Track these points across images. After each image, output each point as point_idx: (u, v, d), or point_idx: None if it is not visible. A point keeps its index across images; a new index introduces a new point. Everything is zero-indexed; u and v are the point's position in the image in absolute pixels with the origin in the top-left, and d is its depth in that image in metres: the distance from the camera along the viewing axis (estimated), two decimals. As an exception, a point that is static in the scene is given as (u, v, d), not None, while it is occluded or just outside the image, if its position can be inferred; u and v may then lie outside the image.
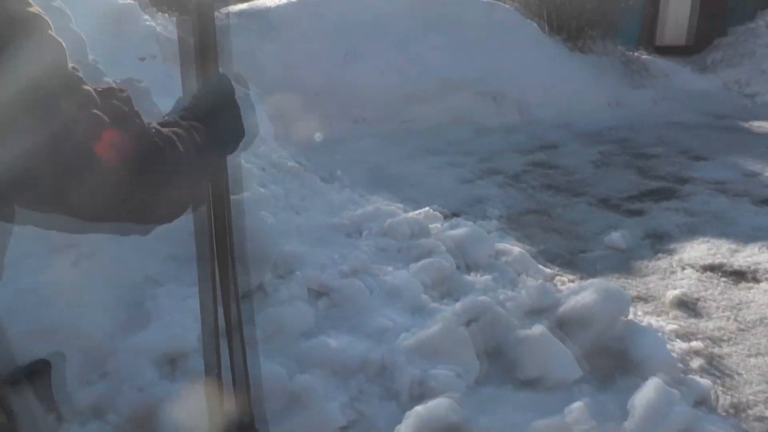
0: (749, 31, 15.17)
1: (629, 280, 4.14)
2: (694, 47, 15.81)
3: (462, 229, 3.82)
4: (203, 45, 1.46)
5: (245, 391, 2.03)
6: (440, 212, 4.66)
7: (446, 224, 4.23)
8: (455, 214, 5.01)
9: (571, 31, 11.70)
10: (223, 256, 1.89)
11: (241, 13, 9.34)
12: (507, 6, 11.23)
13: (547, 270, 4.03)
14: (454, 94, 8.79)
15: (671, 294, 3.90)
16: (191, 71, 1.53)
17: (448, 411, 2.14)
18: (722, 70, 13.75)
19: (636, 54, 12.99)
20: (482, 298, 2.99)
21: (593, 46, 11.98)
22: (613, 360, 2.98)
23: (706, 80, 12.88)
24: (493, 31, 9.97)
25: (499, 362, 2.86)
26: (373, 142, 7.54)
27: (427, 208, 4.54)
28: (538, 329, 2.79)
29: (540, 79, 9.62)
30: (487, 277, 3.39)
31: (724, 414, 2.76)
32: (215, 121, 1.06)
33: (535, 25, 11.12)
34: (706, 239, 4.90)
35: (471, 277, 3.36)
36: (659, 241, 4.87)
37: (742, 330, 3.54)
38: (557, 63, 10.30)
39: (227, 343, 2.04)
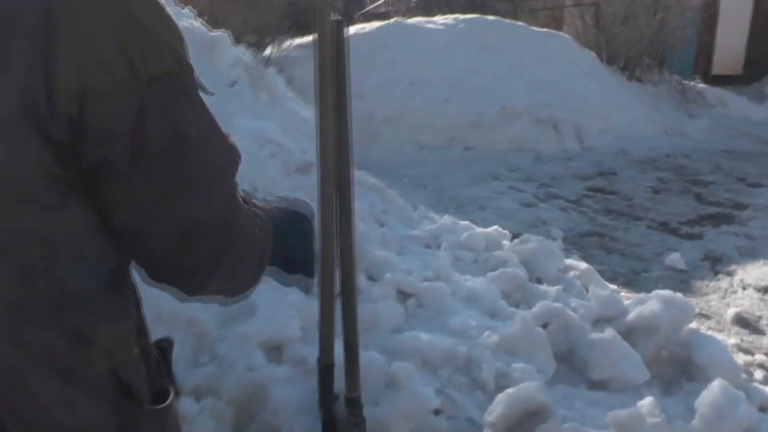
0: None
1: (691, 298, 4.32)
2: (749, 76, 15.81)
3: (532, 243, 4.07)
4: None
5: (355, 370, 2.34)
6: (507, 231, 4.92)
7: (516, 240, 4.49)
8: (521, 235, 5.26)
9: (626, 60, 11.91)
10: (329, 256, 2.21)
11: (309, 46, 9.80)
12: (564, 36, 11.51)
13: (611, 286, 4.26)
14: (513, 121, 9.08)
15: (732, 311, 4.09)
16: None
17: (536, 392, 2.40)
18: (778, 97, 13.74)
19: (691, 83, 13.10)
20: (555, 304, 3.25)
21: (649, 75, 12.16)
22: (677, 366, 3.19)
23: (763, 109, 12.89)
24: (551, 61, 10.24)
25: (572, 363, 3.11)
26: (437, 168, 7.86)
27: (496, 227, 4.80)
28: (609, 333, 3.03)
29: (597, 108, 9.84)
30: (558, 287, 3.64)
31: None
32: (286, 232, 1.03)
33: (593, 54, 11.36)
34: (763, 261, 5.07)
35: (542, 287, 3.61)
36: (718, 263, 5.05)
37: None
38: (614, 92, 10.50)
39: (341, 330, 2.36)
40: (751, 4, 16.77)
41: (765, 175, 8.18)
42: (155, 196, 0.74)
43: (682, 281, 4.63)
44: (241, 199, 0.88)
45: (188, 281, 0.85)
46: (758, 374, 3.31)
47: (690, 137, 10.43)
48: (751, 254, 5.29)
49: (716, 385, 2.70)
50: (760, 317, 4.09)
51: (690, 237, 5.67)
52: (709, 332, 3.71)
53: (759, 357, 3.51)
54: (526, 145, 8.82)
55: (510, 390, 2.42)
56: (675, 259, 4.92)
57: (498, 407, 2.36)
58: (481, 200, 6.60)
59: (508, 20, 11.35)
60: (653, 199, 6.94)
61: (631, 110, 10.13)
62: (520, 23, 11.33)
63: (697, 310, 4.11)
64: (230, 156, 0.83)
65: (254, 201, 0.98)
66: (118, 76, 0.68)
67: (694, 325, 3.71)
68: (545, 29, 11.31)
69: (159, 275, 0.84)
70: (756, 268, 4.95)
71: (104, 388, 0.79)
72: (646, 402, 2.58)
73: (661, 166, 8.57)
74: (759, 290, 4.53)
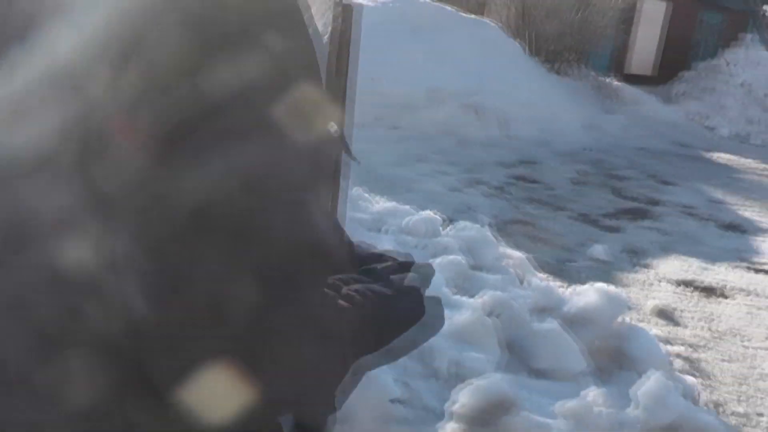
0: (711, 67, 15.96)
1: (614, 289, 4.53)
2: (659, 78, 16.57)
3: (471, 231, 4.14)
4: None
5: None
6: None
7: (450, 227, 4.55)
8: (451, 219, 5.33)
9: (549, 53, 12.21)
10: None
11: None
12: (493, 24, 11.67)
13: (541, 275, 4.39)
14: (440, 105, 9.16)
15: (652, 303, 4.28)
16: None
17: (501, 383, 2.46)
18: (685, 101, 14.48)
19: (607, 80, 13.58)
20: (499, 293, 3.32)
21: (569, 70, 12.52)
22: (611, 356, 3.34)
23: (671, 110, 13.56)
24: (479, 48, 10.37)
25: (515, 352, 3.20)
26: (363, 146, 7.81)
27: (428, 211, 4.85)
28: (551, 323, 3.13)
29: (520, 97, 10.06)
30: (497, 276, 3.72)
31: (706, 408, 3.11)
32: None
33: (518, 44, 11.58)
34: (678, 256, 5.36)
35: (485, 276, 3.69)
36: (636, 256, 5.28)
37: (716, 339, 3.94)
38: (537, 82, 10.76)
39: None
40: (667, 11, 17.53)
41: (674, 174, 8.63)
42: None
43: (606, 272, 4.80)
44: None
45: None
46: (678, 364, 3.50)
47: (607, 132, 10.84)
48: (665, 248, 5.57)
49: (653, 377, 2.83)
50: (675, 310, 4.31)
51: (610, 229, 5.92)
52: (634, 323, 3.90)
53: (678, 348, 3.71)
54: (452, 129, 8.92)
55: (474, 380, 2.46)
56: (598, 250, 5.11)
57: (461, 397, 2.40)
58: (408, 182, 6.63)
59: (438, 3, 11.39)
60: (573, 190, 7.20)
61: (553, 102, 10.42)
62: (450, 8, 11.39)
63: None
64: None
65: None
66: None
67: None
68: (474, 16, 11.43)
69: None
70: (671, 262, 5.22)
71: None
72: (591, 391, 2.69)
73: (580, 159, 8.88)
74: (673, 284, 4.78)
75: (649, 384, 2.80)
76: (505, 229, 5.49)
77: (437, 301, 1.07)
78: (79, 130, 0.69)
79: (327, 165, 0.80)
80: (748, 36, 17.32)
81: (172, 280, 0.68)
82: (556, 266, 4.81)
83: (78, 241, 0.68)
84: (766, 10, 18.56)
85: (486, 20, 11.70)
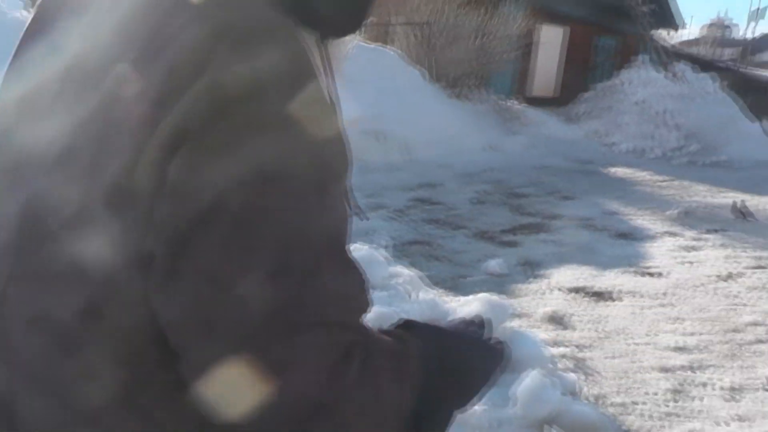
0: (608, 88, 16.67)
1: (507, 301, 4.60)
2: (560, 99, 17.18)
3: (360, 252, 4.14)
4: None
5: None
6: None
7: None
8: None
9: (451, 79, 12.49)
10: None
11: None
12: (392, 52, 11.86)
13: (434, 291, 4.43)
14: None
15: (543, 311, 4.41)
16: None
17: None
18: (585, 121, 15.04)
19: (510, 103, 13.97)
20: (384, 308, 3.32)
21: (470, 95, 12.82)
22: (496, 363, 3.40)
23: (572, 130, 14.05)
24: (379, 74, 10.51)
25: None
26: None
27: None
28: (432, 334, 3.15)
29: (422, 122, 10.22)
30: (384, 293, 3.72)
31: (587, 401, 3.27)
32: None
33: (420, 71, 11.81)
34: (572, 266, 5.50)
35: (373, 293, 3.68)
36: (532, 268, 5.40)
37: (602, 338, 4.08)
38: (439, 107, 10.98)
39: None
40: (564, 35, 18.26)
41: (573, 189, 8.90)
42: None
43: (500, 285, 4.90)
44: None
45: None
46: (564, 363, 3.65)
47: (509, 153, 11.12)
48: (561, 259, 5.71)
49: (533, 375, 2.95)
50: (565, 315, 4.44)
51: (508, 244, 6.03)
52: (525, 329, 3.98)
53: (565, 349, 3.85)
54: (354, 155, 8.88)
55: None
56: (494, 264, 5.21)
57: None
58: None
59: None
60: (473, 210, 7.32)
61: (453, 126, 10.63)
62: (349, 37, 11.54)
63: (517, 310, 4.39)
64: None
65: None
66: None
67: (511, 325, 3.97)
68: (375, 44, 11.59)
69: None
70: (565, 272, 5.36)
71: None
72: None
73: (481, 180, 9.06)
74: (565, 291, 4.91)
75: (526, 382, 2.92)
76: (403, 249, 5.53)
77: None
78: (98, 126, 0.71)
79: (340, 164, 0.75)
80: (641, 58, 18.22)
81: (191, 275, 0.67)
82: (452, 282, 4.86)
83: (96, 238, 0.70)
84: (654, 34, 19.56)
85: (387, 48, 11.87)
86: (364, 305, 0.74)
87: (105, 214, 0.69)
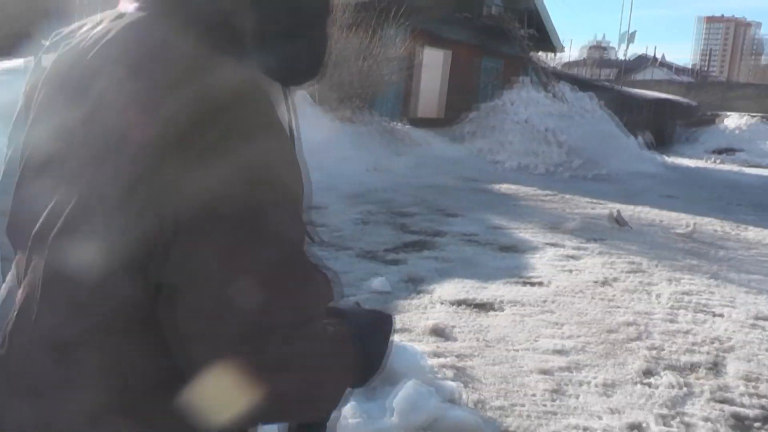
0: (493, 108, 17.20)
1: (393, 316, 4.59)
2: (446, 120, 17.58)
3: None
4: None
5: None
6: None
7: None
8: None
9: (334, 102, 12.53)
10: None
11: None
12: (275, 77, 11.79)
13: (317, 312, 4.36)
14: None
15: (425, 324, 4.43)
16: None
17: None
18: (473, 139, 15.43)
19: (395, 125, 14.15)
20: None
21: (356, 117, 12.90)
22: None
23: (458, 149, 14.38)
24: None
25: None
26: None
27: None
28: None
29: (307, 145, 10.09)
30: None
31: (470, 407, 3.30)
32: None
33: (306, 93, 11.78)
34: (456, 280, 5.57)
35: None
36: (417, 284, 5.42)
37: (485, 347, 4.14)
38: (324, 130, 10.96)
39: None
40: (446, 58, 18.74)
41: (459, 207, 9.06)
42: None
43: (384, 302, 4.88)
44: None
45: None
46: (447, 373, 3.69)
47: (396, 173, 11.22)
48: (446, 274, 5.77)
49: (409, 384, 2.97)
50: (449, 326, 4.47)
51: (394, 262, 6.04)
52: (409, 343, 3.97)
53: (449, 359, 3.88)
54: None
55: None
56: (379, 282, 5.19)
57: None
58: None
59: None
60: (359, 230, 7.31)
61: (339, 148, 10.64)
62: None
63: (400, 325, 4.39)
64: None
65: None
66: None
67: (395, 338, 3.95)
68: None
69: None
70: (450, 286, 5.41)
71: None
72: (348, 407, 2.72)
73: (367, 200, 9.08)
74: (450, 304, 4.96)
75: (402, 392, 2.95)
76: (288, 273, 5.43)
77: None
78: (88, 130, 0.80)
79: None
80: (522, 79, 18.94)
81: (182, 277, 0.73)
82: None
83: (88, 240, 0.76)
84: (536, 56, 20.44)
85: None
86: (330, 298, 0.89)
87: (95, 216, 0.76)
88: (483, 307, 4.92)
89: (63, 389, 0.78)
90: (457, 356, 3.94)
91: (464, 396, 3.41)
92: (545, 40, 21.38)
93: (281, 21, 0.89)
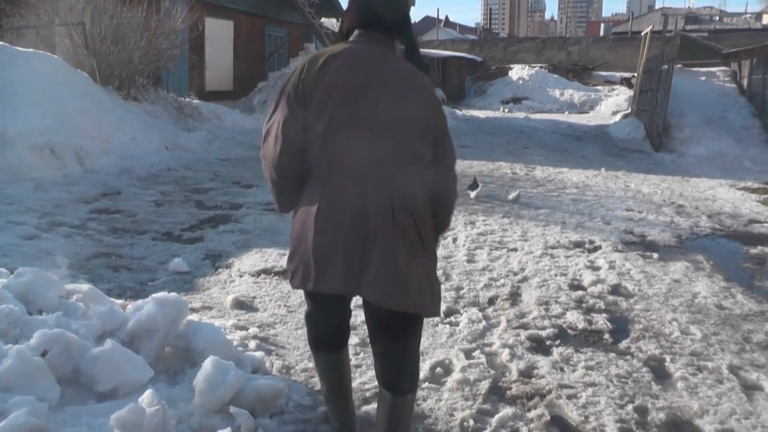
0: (283, 76, 17.42)
1: (194, 295, 4.72)
2: (237, 92, 17.50)
3: (27, 275, 3.97)
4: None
5: None
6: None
7: (11, 276, 4.30)
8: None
9: (120, 80, 12.06)
10: None
11: None
12: (54, 57, 11.10)
13: (119, 301, 4.39)
14: (6, 148, 8.50)
15: (230, 297, 4.60)
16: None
17: (25, 417, 2.42)
18: (264, 109, 15.55)
19: (185, 100, 13.88)
20: (53, 330, 3.26)
21: (145, 94, 12.51)
22: (181, 357, 3.50)
23: (251, 119, 14.42)
24: (41, 82, 9.83)
25: (79, 382, 3.18)
26: None
27: (-8, 267, 4.51)
28: (108, 344, 3.17)
29: (96, 129, 9.80)
30: (59, 313, 3.63)
31: (278, 374, 3.50)
32: None
33: (86, 75, 11.23)
34: (256, 250, 5.81)
35: (41, 317, 3.57)
36: (218, 259, 5.59)
37: (288, 313, 4.40)
38: (112, 112, 10.58)
39: None
40: (232, 29, 18.50)
41: (255, 177, 9.24)
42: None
43: (186, 282, 5.01)
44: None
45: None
46: (252, 343, 3.84)
47: (189, 150, 11.12)
48: (245, 246, 5.99)
49: (207, 362, 3.06)
50: (253, 297, 4.69)
51: (192, 241, 6.14)
52: (212, 320, 4.10)
53: (253, 330, 4.06)
54: (23, 173, 8.33)
55: (0, 424, 2.39)
56: (178, 263, 5.29)
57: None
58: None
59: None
60: (156, 212, 7.28)
61: (130, 129, 10.35)
62: (1, 42, 10.58)
63: (201, 304, 4.53)
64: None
65: None
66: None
67: (197, 317, 4.11)
68: (32, 49, 10.75)
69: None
70: (250, 257, 5.63)
71: None
72: (146, 395, 2.80)
73: (163, 180, 9.00)
74: (252, 275, 5.18)
75: (201, 371, 3.02)
76: (85, 265, 5.35)
77: None
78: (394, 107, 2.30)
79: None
80: (309, 46, 19.28)
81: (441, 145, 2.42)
82: (137, 289, 4.84)
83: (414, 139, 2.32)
84: (323, 23, 20.71)
85: (47, 53, 11.05)
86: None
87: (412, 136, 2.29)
88: (284, 274, 5.13)
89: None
90: (259, 326, 4.13)
91: (268, 364, 3.57)
92: (329, 6, 21.72)
93: (412, 41, 2.48)
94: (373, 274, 2.21)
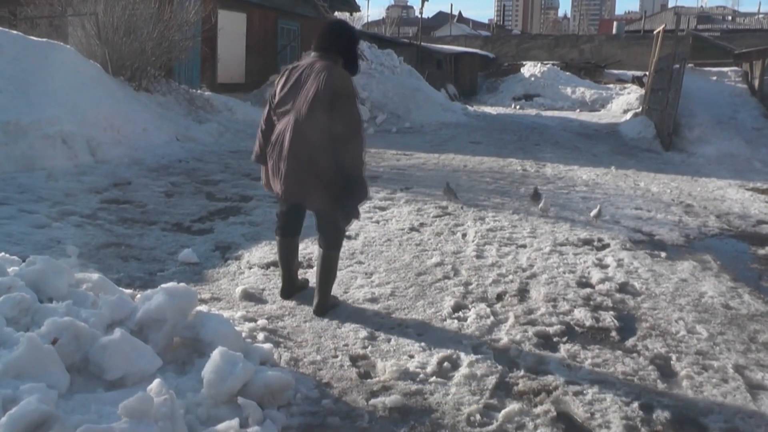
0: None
1: (203, 286, 4.75)
2: (249, 84, 17.49)
3: (38, 264, 4.00)
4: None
5: None
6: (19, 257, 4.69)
7: (23, 264, 4.34)
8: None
9: (133, 71, 12.09)
10: None
11: None
12: (67, 47, 11.15)
13: (128, 291, 4.42)
14: (19, 138, 8.55)
15: (239, 289, 4.62)
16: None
17: (36, 404, 2.45)
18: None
19: (197, 92, 13.91)
20: (65, 318, 3.29)
21: (156, 86, 12.54)
22: (189, 348, 3.53)
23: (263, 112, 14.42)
24: (55, 72, 9.88)
25: (88, 371, 3.21)
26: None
27: (2, 254, 4.55)
28: (117, 333, 3.20)
29: (108, 120, 9.85)
30: (69, 302, 3.66)
31: (285, 366, 3.53)
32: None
33: (98, 65, 11.27)
34: (265, 242, 5.84)
35: (52, 306, 3.60)
36: (227, 251, 5.62)
37: (296, 305, 4.42)
38: (124, 102, 10.62)
39: None
40: (245, 22, 18.51)
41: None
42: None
43: (195, 273, 5.04)
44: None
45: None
46: (260, 335, 3.88)
47: (200, 142, 11.14)
48: (255, 238, 6.02)
49: (216, 353, 3.07)
50: (262, 289, 4.71)
51: (201, 232, 6.18)
52: (220, 311, 4.12)
53: (261, 322, 4.09)
54: (36, 163, 8.40)
55: (11, 411, 2.42)
56: (187, 254, 5.32)
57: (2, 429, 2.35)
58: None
59: (3, 29, 10.54)
60: (166, 202, 7.32)
61: (141, 120, 10.39)
62: (15, 32, 10.63)
63: (210, 295, 4.56)
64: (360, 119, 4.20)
65: None
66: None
67: (206, 308, 4.13)
68: (45, 39, 10.81)
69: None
70: (259, 249, 5.65)
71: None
72: (154, 384, 2.82)
73: (173, 171, 9.03)
74: (261, 267, 5.20)
75: (210, 362, 3.04)
76: (95, 255, 5.39)
77: None
78: (311, 85, 4.05)
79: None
80: (324, 38, 19.26)
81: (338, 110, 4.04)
82: (146, 279, 4.87)
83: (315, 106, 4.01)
84: (334, 16, 20.73)
85: (60, 43, 11.11)
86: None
87: (318, 103, 3.97)
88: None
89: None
90: (268, 318, 4.16)
91: (276, 356, 3.60)
92: (343, 1, 21.74)
93: (351, 57, 4.22)
94: (291, 184, 4.11)
